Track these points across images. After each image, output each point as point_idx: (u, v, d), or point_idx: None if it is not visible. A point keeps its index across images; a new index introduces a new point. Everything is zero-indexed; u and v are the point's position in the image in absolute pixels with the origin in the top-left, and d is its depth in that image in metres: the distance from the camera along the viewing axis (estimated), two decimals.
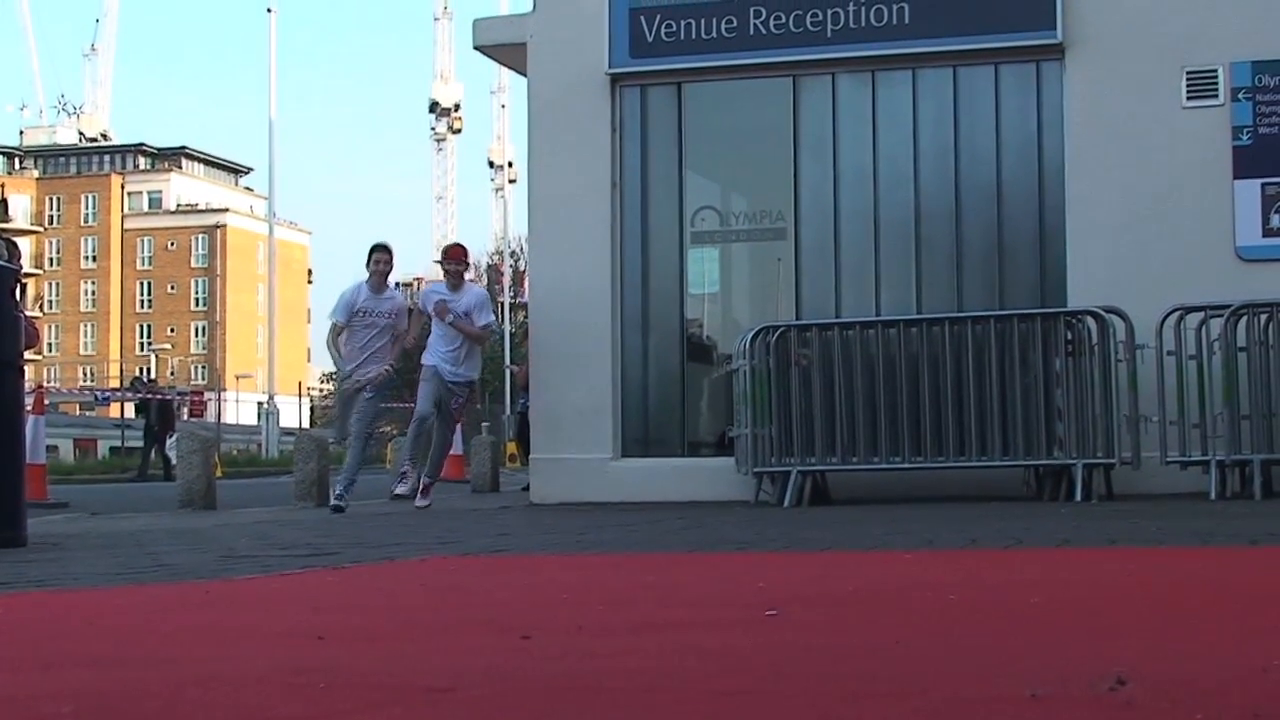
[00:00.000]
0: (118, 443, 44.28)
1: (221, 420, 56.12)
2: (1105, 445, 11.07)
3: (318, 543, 8.09)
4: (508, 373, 39.08)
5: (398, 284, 14.35)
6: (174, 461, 30.48)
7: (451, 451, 24.45)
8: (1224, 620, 3.83)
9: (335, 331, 13.55)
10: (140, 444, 33.37)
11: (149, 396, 32.55)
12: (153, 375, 70.36)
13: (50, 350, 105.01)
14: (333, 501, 12.99)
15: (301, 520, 11.22)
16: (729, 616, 4.09)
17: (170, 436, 31.17)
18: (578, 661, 3.27)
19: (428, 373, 13.45)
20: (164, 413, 31.58)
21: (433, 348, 13.45)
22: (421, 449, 13.66)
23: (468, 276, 14.46)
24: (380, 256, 13.57)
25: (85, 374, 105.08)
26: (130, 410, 38.20)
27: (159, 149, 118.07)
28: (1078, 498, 10.78)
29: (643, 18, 13.12)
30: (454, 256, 13.88)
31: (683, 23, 13.05)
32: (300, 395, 64.60)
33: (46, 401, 19.53)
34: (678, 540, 7.77)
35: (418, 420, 13.49)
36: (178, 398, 61.44)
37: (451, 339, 13.31)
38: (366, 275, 13.59)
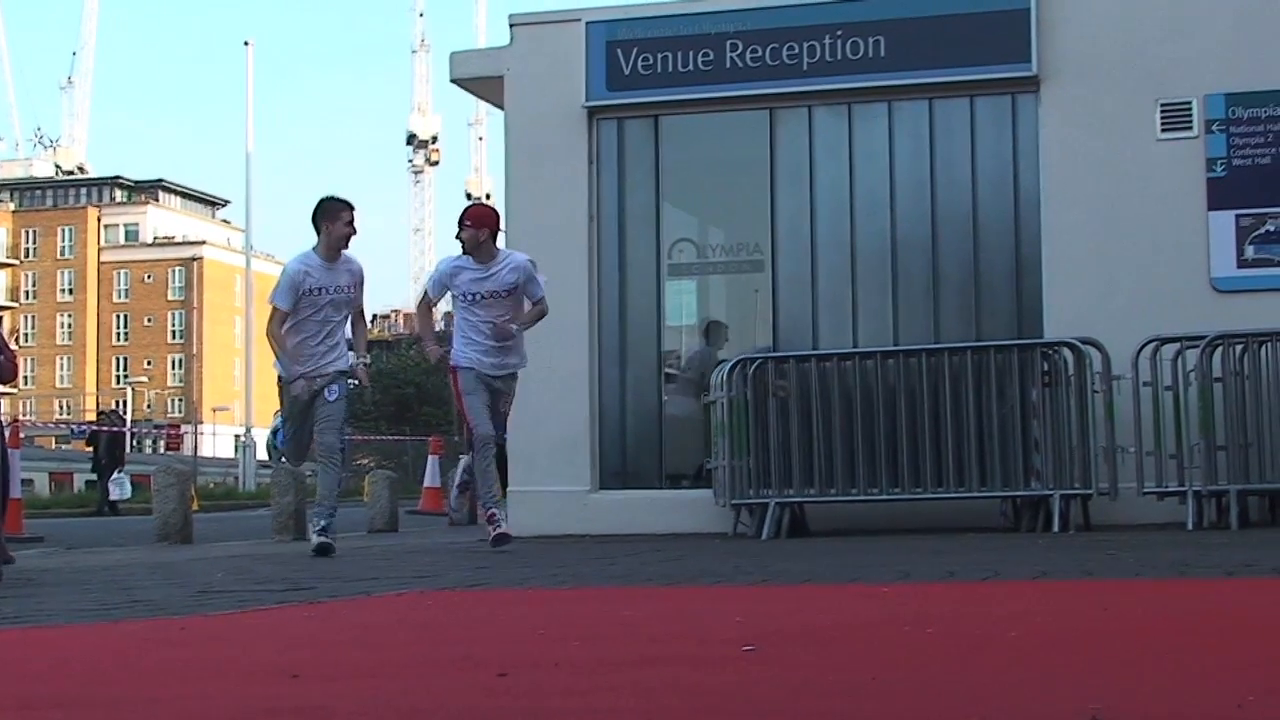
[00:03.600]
0: (94, 477, 44.09)
1: (198, 453, 55.93)
2: (1082, 476, 11.08)
3: (294, 577, 8.06)
4: None
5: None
6: (113, 496, 30.10)
7: (429, 484, 24.47)
8: (1200, 655, 3.83)
9: (280, 319, 10.63)
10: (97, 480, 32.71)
11: (99, 429, 32.23)
12: (123, 408, 70.11)
13: (26, 384, 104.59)
14: (317, 540, 10.47)
15: (278, 554, 11.18)
16: (707, 653, 4.09)
17: (117, 472, 30.64)
18: (555, 700, 3.26)
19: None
20: (113, 447, 31.24)
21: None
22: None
23: (501, 244, 11.18)
24: (350, 215, 10.68)
25: (61, 407, 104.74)
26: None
27: (136, 182, 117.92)
28: (1055, 529, 10.78)
29: (619, 51, 13.15)
30: (473, 218, 10.77)
31: (659, 56, 13.08)
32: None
33: (22, 435, 19.41)
34: (656, 573, 7.76)
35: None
36: (153, 430, 61.02)
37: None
38: (316, 242, 10.69)
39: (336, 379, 10.74)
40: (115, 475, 30.47)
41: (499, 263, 10.76)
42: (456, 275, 10.73)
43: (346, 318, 10.81)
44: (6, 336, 10.79)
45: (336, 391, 10.68)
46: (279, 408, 11.23)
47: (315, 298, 10.54)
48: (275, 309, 10.68)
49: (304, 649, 4.48)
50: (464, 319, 10.82)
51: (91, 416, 70.68)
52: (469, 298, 10.70)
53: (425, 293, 11.17)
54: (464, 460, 11.99)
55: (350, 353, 11.00)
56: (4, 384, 10.96)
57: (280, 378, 10.84)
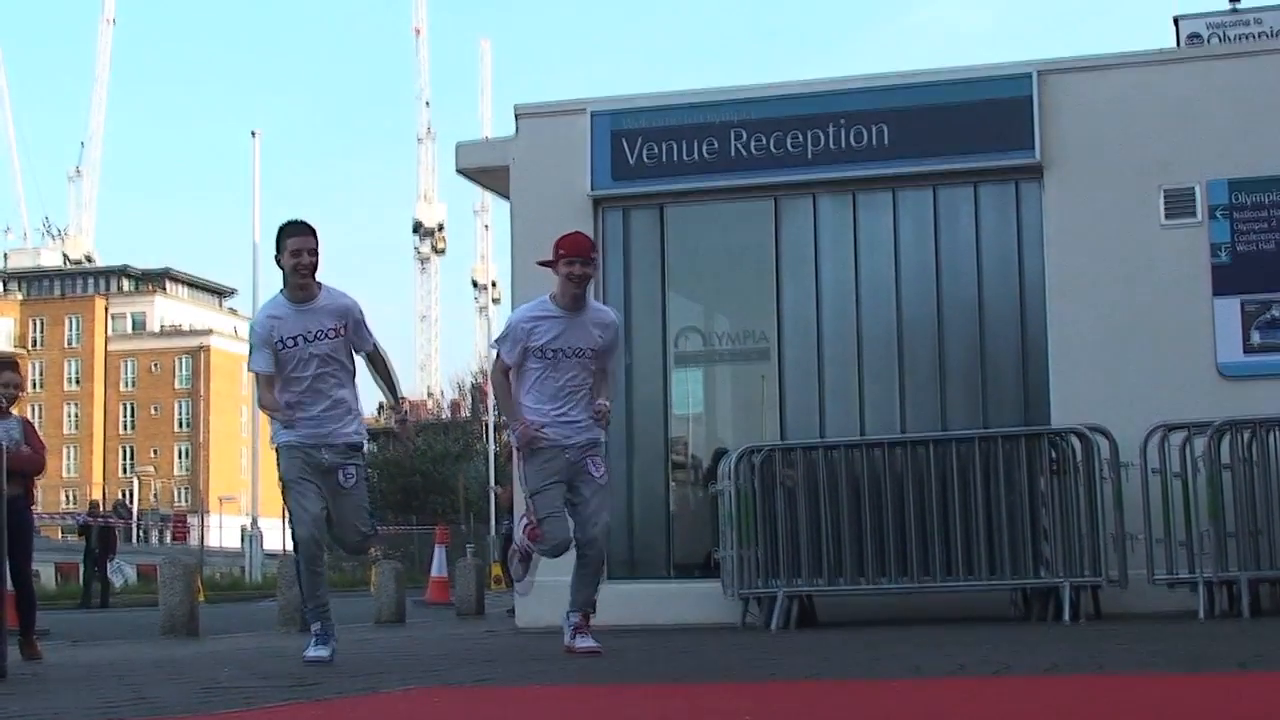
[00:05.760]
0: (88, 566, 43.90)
1: (205, 543, 55.79)
2: (1092, 564, 11.01)
3: (300, 673, 7.99)
4: (492, 494, 38.92)
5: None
6: (115, 586, 30.39)
7: (436, 574, 24.39)
8: None
9: (266, 384, 8.64)
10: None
11: (90, 520, 32.39)
12: (129, 498, 69.92)
13: None
14: (314, 653, 8.62)
15: (285, 648, 11.11)
16: None
17: (111, 560, 31.10)
18: None
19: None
20: (104, 537, 31.44)
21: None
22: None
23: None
24: (296, 243, 8.50)
25: (68, 497, 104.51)
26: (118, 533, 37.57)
27: (143, 271, 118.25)
28: (1065, 619, 10.70)
29: (624, 141, 13.21)
30: (593, 247, 8.99)
31: (664, 145, 13.14)
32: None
33: None
34: (664, 668, 7.70)
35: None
36: (159, 521, 60.73)
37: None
38: (282, 284, 8.70)
39: (350, 456, 8.73)
40: (111, 565, 30.71)
41: (589, 313, 8.88)
42: (535, 330, 8.77)
43: (345, 369, 8.74)
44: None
45: (354, 475, 8.70)
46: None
47: (293, 349, 8.56)
48: (257, 376, 8.80)
49: None
50: (537, 383, 8.79)
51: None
52: (551, 355, 8.76)
53: (499, 358, 9.04)
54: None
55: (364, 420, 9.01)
56: (34, 477, 11.04)
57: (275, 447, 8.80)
